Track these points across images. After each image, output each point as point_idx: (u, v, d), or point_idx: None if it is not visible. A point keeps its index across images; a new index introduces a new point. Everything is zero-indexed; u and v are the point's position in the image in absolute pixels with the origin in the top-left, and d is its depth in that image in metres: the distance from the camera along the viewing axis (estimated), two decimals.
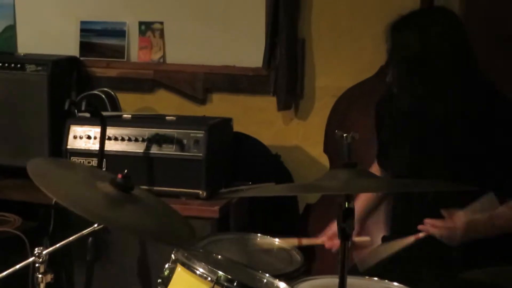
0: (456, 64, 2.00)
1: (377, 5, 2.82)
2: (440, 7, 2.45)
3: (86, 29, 3.34)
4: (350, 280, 1.77)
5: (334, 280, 1.60)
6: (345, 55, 2.94)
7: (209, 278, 1.51)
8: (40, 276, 1.84)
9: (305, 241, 2.11)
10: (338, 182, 1.50)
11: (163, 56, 3.22)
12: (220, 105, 3.17)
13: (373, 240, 2.36)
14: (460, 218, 1.89)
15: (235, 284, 1.50)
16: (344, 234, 1.42)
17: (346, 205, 1.42)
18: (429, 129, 2.04)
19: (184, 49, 3.20)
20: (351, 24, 2.93)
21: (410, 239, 1.94)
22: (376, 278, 1.91)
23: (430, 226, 1.91)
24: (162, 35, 3.20)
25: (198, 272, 1.54)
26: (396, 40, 2.03)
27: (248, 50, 3.06)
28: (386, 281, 1.87)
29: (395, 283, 1.85)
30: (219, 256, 1.82)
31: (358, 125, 2.47)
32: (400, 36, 2.03)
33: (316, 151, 2.98)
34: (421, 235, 1.93)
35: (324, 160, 2.91)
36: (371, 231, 2.48)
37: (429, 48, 1.98)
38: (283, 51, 2.92)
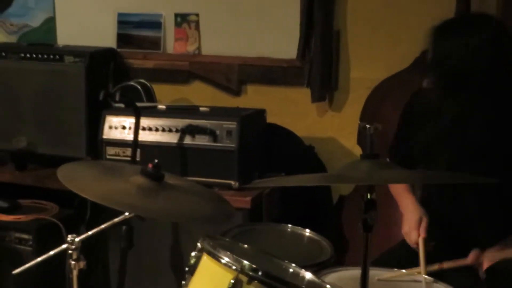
0: (498, 72, 1.96)
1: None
2: (485, 14, 2.37)
3: (123, 21, 3.35)
4: (377, 272, 1.84)
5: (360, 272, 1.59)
6: (380, 48, 2.92)
7: (234, 267, 1.49)
8: (73, 262, 1.90)
9: (446, 265, 2.00)
10: (360, 173, 1.51)
11: (199, 48, 3.22)
12: (254, 97, 3.17)
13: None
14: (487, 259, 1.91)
15: (259, 273, 1.48)
16: (366, 226, 1.43)
17: (368, 196, 1.43)
18: (470, 133, 1.99)
19: (219, 41, 3.19)
20: (386, 16, 2.90)
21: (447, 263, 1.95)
22: (404, 270, 1.91)
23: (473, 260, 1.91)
24: (197, 27, 3.20)
25: (223, 261, 1.53)
26: (439, 48, 2.01)
27: (282, 42, 3.05)
28: (415, 272, 1.90)
29: (422, 275, 1.86)
30: (246, 246, 1.83)
31: (391, 117, 2.47)
32: (444, 44, 2.01)
33: (350, 143, 2.96)
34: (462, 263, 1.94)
35: (358, 151, 2.87)
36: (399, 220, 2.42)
37: (473, 58, 1.95)
38: (317, 43, 2.90)
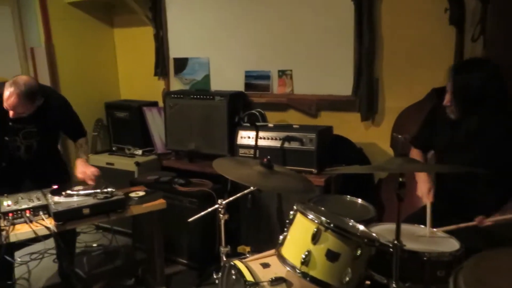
0: (499, 98, 1.89)
1: (425, 55, 2.79)
2: (484, 58, 2.30)
3: (248, 75, 3.50)
4: (405, 226, 1.80)
5: (394, 226, 1.65)
6: (403, 87, 2.89)
7: (316, 221, 1.58)
8: (221, 215, 2.18)
9: (461, 225, 1.86)
10: (395, 165, 1.58)
11: (292, 90, 3.30)
12: (326, 118, 3.23)
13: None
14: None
15: (332, 225, 1.55)
16: (399, 198, 1.53)
17: (400, 180, 1.53)
18: (479, 144, 1.93)
19: (304, 85, 3.26)
20: (407, 68, 2.88)
21: (462, 225, 1.87)
22: (422, 225, 1.89)
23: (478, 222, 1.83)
24: (291, 77, 3.29)
25: (309, 217, 1.61)
26: (458, 80, 1.93)
27: (342, 85, 3.05)
28: (435, 229, 1.86)
29: (442, 231, 1.85)
30: (322, 208, 1.91)
31: (412, 130, 2.50)
32: (462, 77, 1.92)
33: (385, 146, 2.97)
34: (471, 224, 1.85)
35: (390, 152, 2.92)
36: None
37: (485, 86, 1.87)
38: (364, 85, 2.95)
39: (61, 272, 2.90)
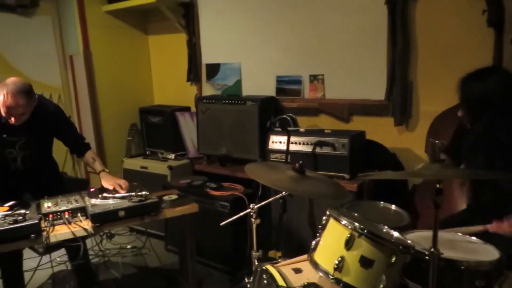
0: (507, 104, 1.90)
1: (462, 57, 2.70)
2: (496, 66, 2.36)
3: (280, 80, 3.48)
4: (442, 233, 1.80)
5: (429, 233, 1.58)
6: (439, 91, 2.82)
7: (349, 227, 1.56)
8: (253, 220, 2.19)
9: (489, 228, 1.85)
10: (433, 171, 1.52)
11: (323, 94, 3.28)
12: (358, 123, 3.19)
13: (459, 207, 2.36)
14: None
15: (365, 231, 1.52)
16: (436, 204, 1.48)
17: (437, 186, 1.48)
18: (492, 142, 1.93)
19: (336, 90, 3.23)
20: (442, 72, 2.80)
21: (480, 228, 1.87)
22: (459, 234, 1.87)
23: (496, 227, 1.83)
24: (323, 82, 3.26)
25: (342, 223, 1.60)
26: (463, 89, 2.00)
27: (375, 89, 3.00)
28: (467, 236, 1.84)
29: (473, 238, 1.81)
30: (356, 214, 1.86)
31: (447, 135, 2.50)
32: (467, 87, 1.99)
33: (419, 151, 2.92)
34: (489, 227, 1.85)
35: (425, 157, 2.86)
36: (459, 200, 2.43)
37: (490, 93, 1.90)
38: (398, 89, 2.91)
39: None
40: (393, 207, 2.33)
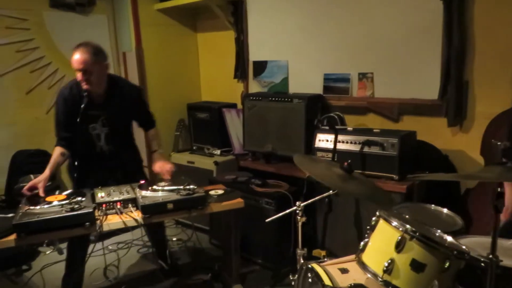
0: None
1: None
2: None
3: (327, 78, 3.44)
4: (500, 241, 1.73)
5: (484, 239, 1.68)
6: (497, 91, 2.73)
7: (401, 229, 1.53)
8: (299, 217, 2.21)
9: None
10: (494, 174, 1.49)
11: (373, 93, 3.22)
12: (408, 123, 3.12)
13: None
14: None
15: (417, 234, 1.49)
16: (496, 209, 1.45)
17: (499, 190, 1.45)
18: None
19: (386, 88, 3.16)
20: (501, 72, 2.71)
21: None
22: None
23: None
24: (372, 80, 3.20)
25: (393, 224, 1.57)
26: None
27: (427, 88, 2.91)
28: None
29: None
30: (407, 216, 1.81)
31: (502, 138, 2.38)
32: None
33: (474, 154, 2.84)
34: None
35: (480, 160, 2.77)
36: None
37: None
38: (453, 89, 2.82)
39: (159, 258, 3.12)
40: (445, 210, 2.26)
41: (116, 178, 2.70)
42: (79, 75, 2.46)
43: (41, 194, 2.35)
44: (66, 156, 2.59)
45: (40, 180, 2.40)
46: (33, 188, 2.38)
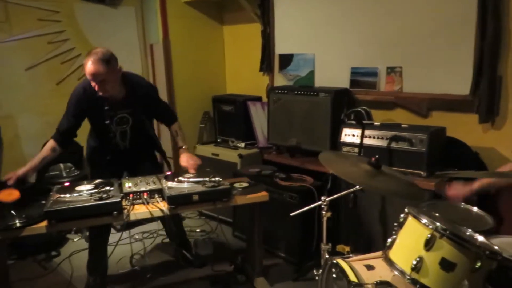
0: None
1: None
2: None
3: (354, 72, 3.41)
4: None
5: None
6: None
7: (431, 226, 1.50)
8: (323, 212, 2.20)
9: None
10: None
11: (401, 88, 3.18)
12: (437, 119, 3.07)
13: None
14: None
15: (447, 232, 1.45)
16: None
17: None
18: None
19: (415, 83, 3.11)
20: None
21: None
22: None
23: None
24: (401, 75, 3.17)
25: (423, 221, 1.53)
26: None
27: (458, 83, 2.86)
28: None
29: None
30: (436, 214, 1.76)
31: None
32: None
33: (506, 152, 2.78)
34: None
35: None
36: None
37: None
38: (485, 85, 2.75)
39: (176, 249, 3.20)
40: (475, 209, 2.21)
41: (132, 173, 2.75)
42: (93, 83, 2.48)
43: (9, 183, 2.33)
44: (57, 153, 2.60)
45: (17, 174, 2.39)
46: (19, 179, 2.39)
